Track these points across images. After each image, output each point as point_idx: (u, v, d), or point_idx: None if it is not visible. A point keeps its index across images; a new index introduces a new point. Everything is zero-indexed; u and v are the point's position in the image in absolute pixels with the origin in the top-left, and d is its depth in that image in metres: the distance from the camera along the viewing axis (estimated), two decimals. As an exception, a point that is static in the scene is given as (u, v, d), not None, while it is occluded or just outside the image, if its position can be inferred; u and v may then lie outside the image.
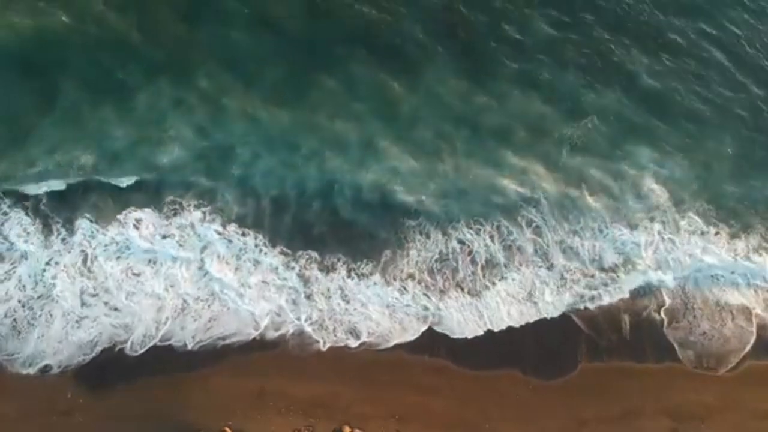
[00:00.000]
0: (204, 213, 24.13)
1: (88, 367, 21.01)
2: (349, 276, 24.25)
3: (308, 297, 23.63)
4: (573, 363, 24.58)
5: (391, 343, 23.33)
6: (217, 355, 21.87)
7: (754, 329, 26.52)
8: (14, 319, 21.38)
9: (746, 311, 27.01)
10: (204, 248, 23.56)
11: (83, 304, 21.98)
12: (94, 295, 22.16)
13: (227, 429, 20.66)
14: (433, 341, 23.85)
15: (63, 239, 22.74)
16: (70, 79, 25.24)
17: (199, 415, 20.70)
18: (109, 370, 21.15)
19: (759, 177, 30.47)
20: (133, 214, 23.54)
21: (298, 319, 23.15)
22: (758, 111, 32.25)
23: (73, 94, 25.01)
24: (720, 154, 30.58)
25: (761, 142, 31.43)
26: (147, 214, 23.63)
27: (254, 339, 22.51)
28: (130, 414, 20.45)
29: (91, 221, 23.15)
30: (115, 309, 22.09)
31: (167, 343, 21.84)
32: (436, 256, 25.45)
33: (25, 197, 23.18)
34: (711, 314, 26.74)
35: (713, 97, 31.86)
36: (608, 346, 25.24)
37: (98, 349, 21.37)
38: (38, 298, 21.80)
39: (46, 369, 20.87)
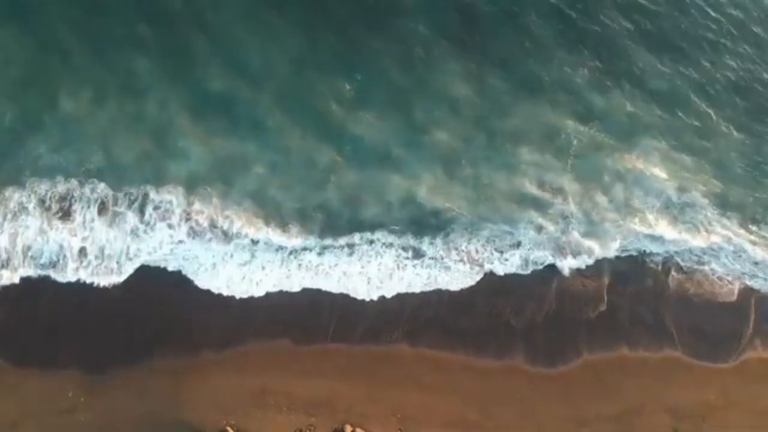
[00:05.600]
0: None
1: (89, 365, 20.86)
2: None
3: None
4: (574, 353, 24.66)
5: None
6: (217, 353, 21.75)
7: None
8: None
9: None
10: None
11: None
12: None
13: (228, 428, 20.69)
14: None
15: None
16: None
17: (200, 414, 20.65)
18: (111, 369, 20.93)
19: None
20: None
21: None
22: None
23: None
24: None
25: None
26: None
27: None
28: (131, 413, 20.31)
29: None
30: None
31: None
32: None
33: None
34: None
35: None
36: (606, 335, 25.32)
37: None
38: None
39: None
